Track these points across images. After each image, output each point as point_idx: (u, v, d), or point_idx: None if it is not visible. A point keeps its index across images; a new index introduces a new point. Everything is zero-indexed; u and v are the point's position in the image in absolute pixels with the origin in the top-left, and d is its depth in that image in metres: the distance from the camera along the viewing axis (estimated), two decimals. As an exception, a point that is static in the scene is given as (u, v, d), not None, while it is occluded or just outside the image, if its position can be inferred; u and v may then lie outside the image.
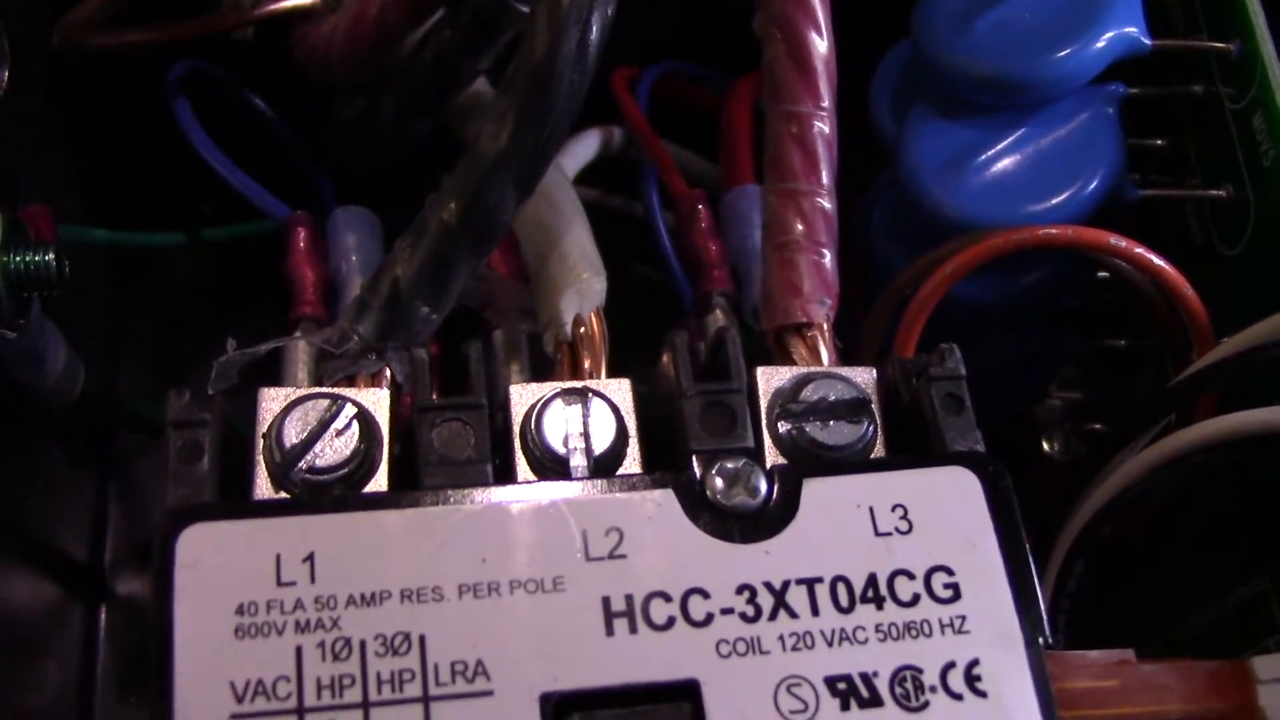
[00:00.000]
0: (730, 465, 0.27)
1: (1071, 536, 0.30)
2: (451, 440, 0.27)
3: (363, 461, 0.27)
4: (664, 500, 0.27)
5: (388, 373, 0.30)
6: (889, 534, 0.27)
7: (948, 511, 0.27)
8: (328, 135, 0.38)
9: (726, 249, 0.37)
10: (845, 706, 0.25)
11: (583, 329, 0.32)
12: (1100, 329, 0.41)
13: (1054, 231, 0.33)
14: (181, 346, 0.42)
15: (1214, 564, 0.34)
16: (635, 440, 0.28)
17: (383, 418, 0.28)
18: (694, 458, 0.27)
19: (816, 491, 0.27)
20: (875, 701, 0.25)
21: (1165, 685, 0.30)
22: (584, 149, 0.39)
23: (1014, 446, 0.38)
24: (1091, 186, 0.36)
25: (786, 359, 0.31)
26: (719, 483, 0.27)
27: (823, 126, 0.33)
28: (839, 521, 0.27)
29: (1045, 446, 0.40)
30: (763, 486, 0.27)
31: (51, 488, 0.38)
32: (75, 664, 0.40)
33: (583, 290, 0.32)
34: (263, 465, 0.27)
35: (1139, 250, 0.33)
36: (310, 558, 0.25)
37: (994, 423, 0.30)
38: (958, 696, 0.26)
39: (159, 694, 0.24)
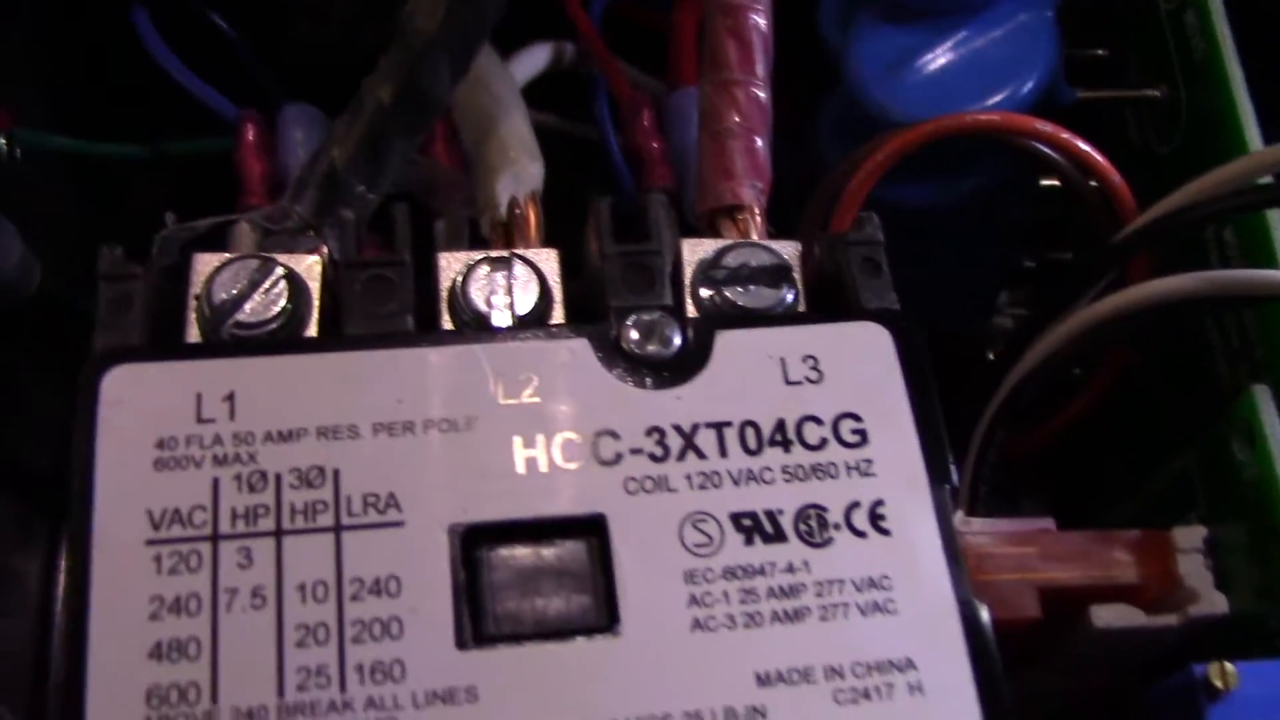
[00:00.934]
0: (646, 318, 0.28)
1: (995, 406, 0.31)
2: (375, 293, 0.28)
3: (290, 319, 0.28)
4: (579, 349, 0.27)
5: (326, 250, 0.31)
6: (799, 383, 0.27)
7: (858, 363, 0.28)
8: (284, 42, 0.39)
9: (669, 148, 0.38)
10: (749, 541, 0.26)
11: (518, 211, 0.32)
12: (1046, 243, 0.41)
13: (983, 118, 0.34)
14: (143, 261, 0.43)
15: (1142, 443, 0.35)
16: (560, 305, 0.29)
17: (314, 283, 0.29)
18: (611, 311, 0.28)
19: (729, 342, 0.28)
20: (779, 537, 0.26)
21: (1085, 553, 0.31)
22: (534, 60, 0.40)
23: (963, 362, 0.39)
24: (1028, 87, 0.36)
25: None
26: (634, 334, 0.28)
27: (758, 20, 0.34)
28: (750, 370, 0.27)
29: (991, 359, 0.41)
30: (677, 338, 0.28)
31: (16, 395, 0.39)
32: (40, 577, 0.40)
33: (518, 174, 0.33)
34: (194, 325, 0.28)
35: (1065, 135, 0.33)
36: (230, 397, 0.26)
37: (942, 339, 0.30)
38: (861, 534, 0.26)
39: (79, 521, 0.25)
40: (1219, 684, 0.27)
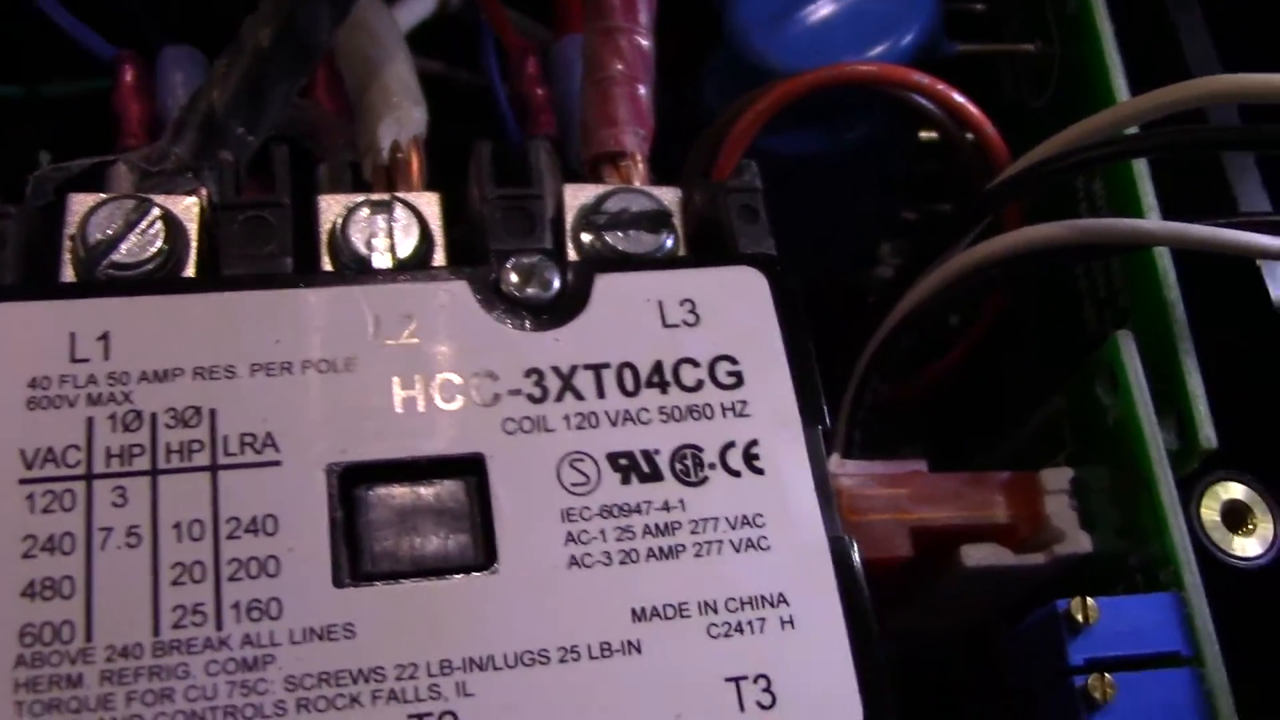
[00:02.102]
0: (525, 260, 0.28)
1: (871, 350, 0.32)
2: (253, 234, 0.28)
3: (167, 259, 0.28)
4: (459, 290, 0.27)
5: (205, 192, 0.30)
6: (676, 325, 0.28)
7: (735, 307, 0.28)
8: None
9: (554, 95, 0.38)
10: (626, 480, 0.26)
11: (399, 155, 0.32)
12: (926, 196, 0.42)
13: (862, 69, 0.34)
14: (17, 203, 0.42)
15: (1016, 390, 0.36)
16: (441, 249, 0.29)
17: (191, 224, 0.29)
18: (492, 254, 0.28)
19: (608, 285, 0.28)
20: (655, 476, 0.26)
21: (955, 493, 0.32)
22: (420, 5, 0.40)
23: (843, 311, 0.40)
24: (908, 39, 0.37)
25: (601, 186, 0.32)
26: (513, 276, 0.28)
27: (642, -32, 0.34)
28: (628, 313, 0.28)
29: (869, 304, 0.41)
30: (556, 281, 0.28)
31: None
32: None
33: (401, 118, 0.33)
34: (69, 266, 0.28)
35: (940, 87, 0.34)
36: (105, 336, 0.26)
37: (822, 288, 0.31)
38: (735, 473, 0.27)
39: (-52, 463, 0.25)
40: (1080, 618, 0.28)
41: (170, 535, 0.24)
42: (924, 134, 0.39)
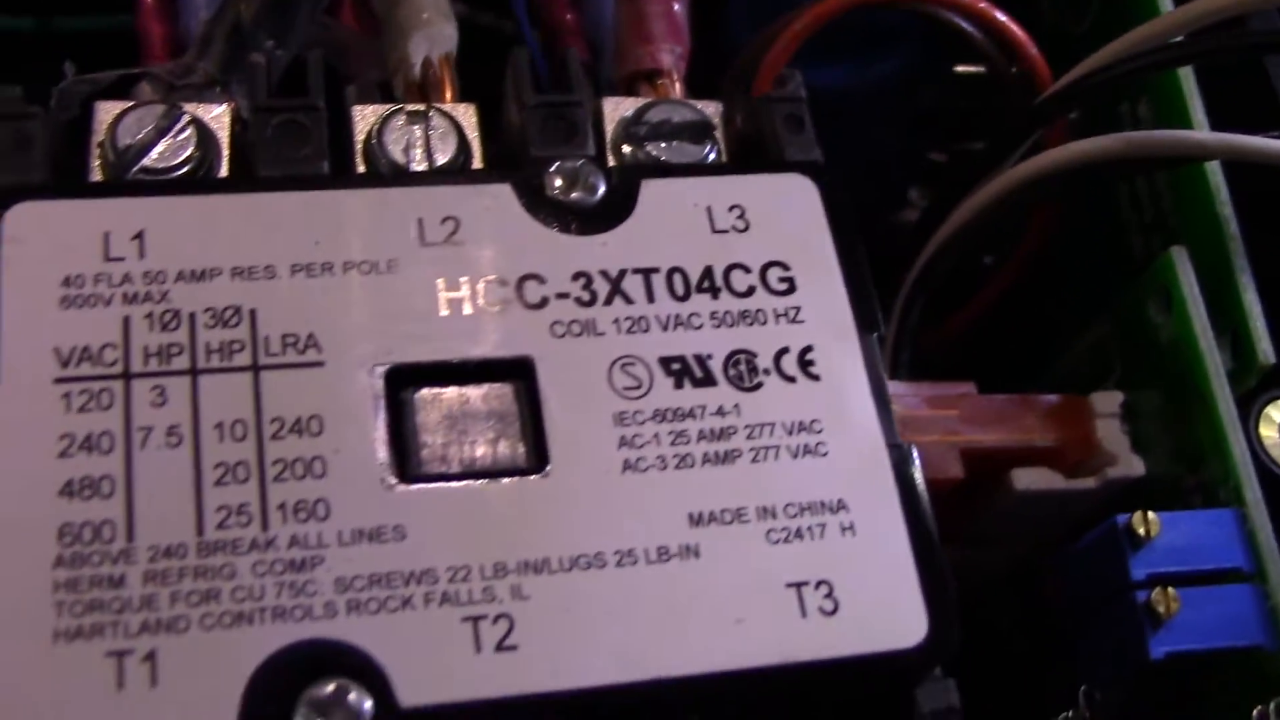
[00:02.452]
0: (569, 165, 0.27)
1: (918, 269, 0.31)
2: (288, 137, 0.27)
3: (199, 165, 0.27)
4: (502, 194, 0.27)
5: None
6: (726, 231, 0.27)
7: (785, 213, 0.27)
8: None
9: (584, 21, 0.38)
10: (679, 384, 0.25)
11: (432, 71, 0.31)
12: (957, 136, 0.41)
13: (898, -14, 0.34)
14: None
15: (1059, 319, 0.35)
16: (479, 158, 0.28)
17: (222, 132, 0.28)
18: (534, 161, 0.27)
19: (655, 190, 0.27)
20: (709, 380, 0.26)
21: (1005, 416, 0.31)
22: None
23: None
24: (946, -39, 0.36)
25: (636, 104, 0.31)
26: (558, 181, 0.27)
27: (673, -114, 0.33)
28: (676, 218, 0.27)
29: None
30: (601, 185, 0.27)
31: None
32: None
33: (432, 35, 0.32)
34: (99, 172, 0.27)
35: (982, 5, 0.33)
36: (140, 235, 0.25)
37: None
38: (790, 379, 0.26)
39: (-17, 361, 0.24)
40: (1141, 532, 0.27)
41: (212, 435, 0.24)
42: (959, 68, 0.38)
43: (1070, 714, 0.31)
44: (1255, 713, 0.27)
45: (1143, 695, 0.29)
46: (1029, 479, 0.30)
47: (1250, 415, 0.29)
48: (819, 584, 0.24)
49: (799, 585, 0.24)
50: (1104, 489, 0.30)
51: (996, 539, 0.34)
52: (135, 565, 0.22)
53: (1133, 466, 0.30)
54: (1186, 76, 0.31)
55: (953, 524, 0.31)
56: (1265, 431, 0.29)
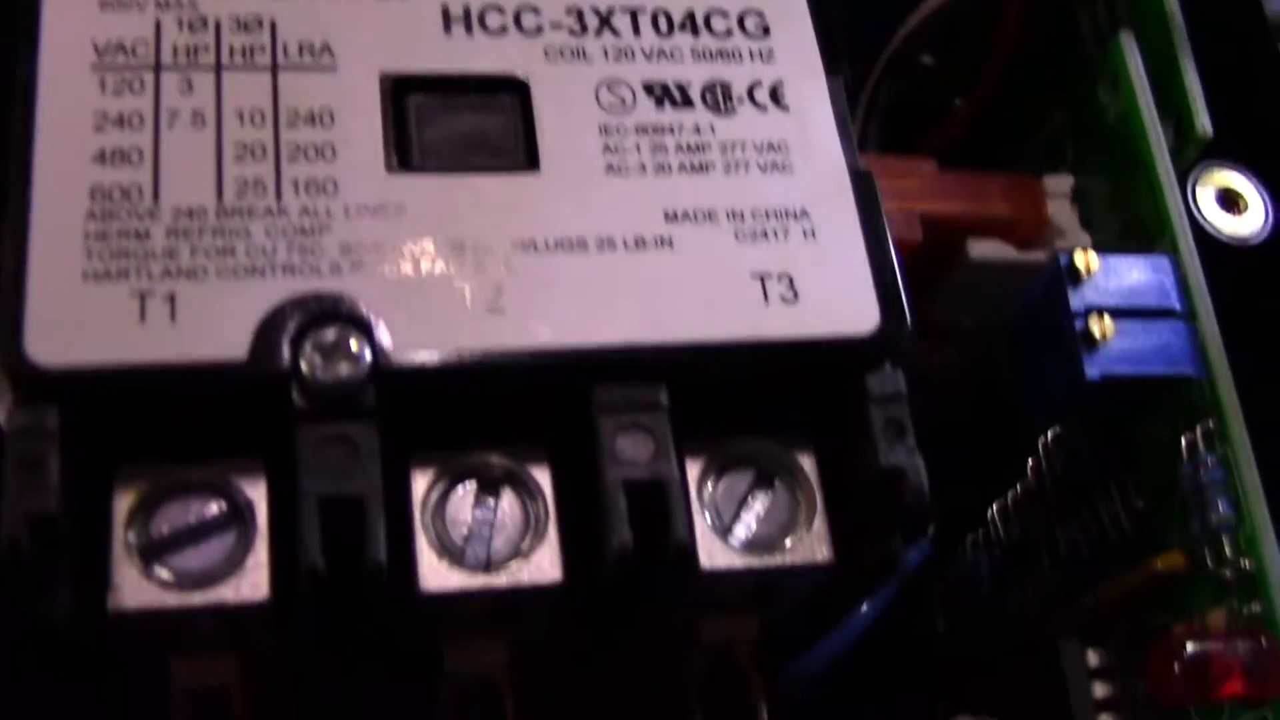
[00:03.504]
0: (566, -88, 0.29)
1: (887, 56, 0.33)
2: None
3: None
4: (504, -66, 0.29)
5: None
6: (708, -20, 0.29)
7: (762, -32, 0.30)
8: None
9: None
10: (660, 105, 0.28)
11: None
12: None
13: None
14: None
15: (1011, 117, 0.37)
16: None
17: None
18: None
19: (643, -57, 0.30)
20: (687, 103, 0.28)
21: (962, 188, 0.33)
22: None
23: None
24: None
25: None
26: (550, -79, 0.29)
27: None
28: (660, -35, 0.29)
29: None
30: (594, -66, 0.29)
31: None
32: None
33: None
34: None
35: None
36: (172, -48, 0.27)
37: None
38: (762, 107, 0.28)
39: (27, 50, 0.26)
40: (1081, 267, 0.29)
41: (233, 120, 0.26)
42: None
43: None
44: (1183, 440, 0.29)
45: (1082, 420, 0.31)
46: (984, 249, 0.33)
47: (1188, 181, 0.31)
48: (781, 276, 0.27)
49: (763, 276, 0.27)
50: (1053, 262, 0.32)
51: (953, 328, 0.36)
52: (159, 223, 0.25)
53: (1081, 240, 0.32)
54: None
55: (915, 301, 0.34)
56: (1202, 195, 0.32)
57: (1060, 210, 0.33)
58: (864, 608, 0.37)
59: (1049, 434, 0.34)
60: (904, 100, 0.36)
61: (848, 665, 0.36)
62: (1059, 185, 0.33)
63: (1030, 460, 0.35)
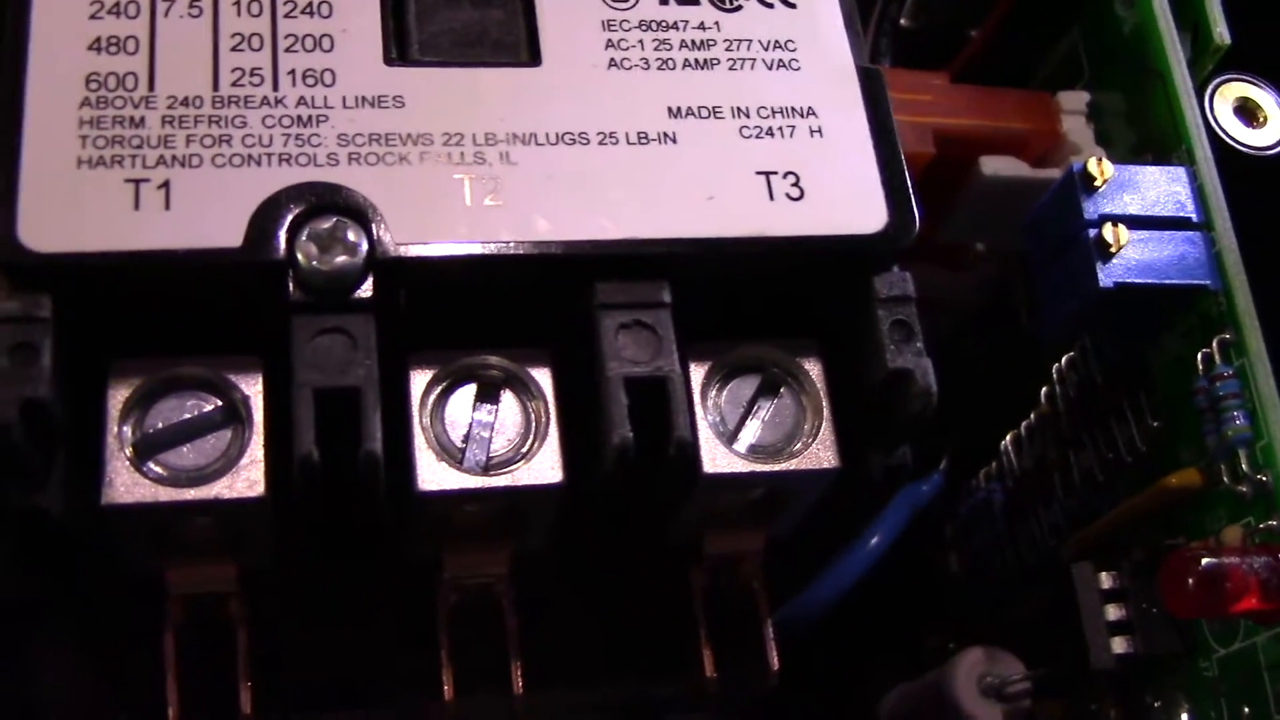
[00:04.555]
0: None
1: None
2: None
3: None
4: None
5: None
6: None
7: None
8: None
9: None
10: (664, 1, 0.27)
11: None
12: None
13: None
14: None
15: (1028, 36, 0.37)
16: None
17: None
18: None
19: None
20: (692, 0, 0.27)
21: (976, 103, 0.33)
22: None
23: None
24: None
25: None
26: None
27: None
28: None
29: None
30: None
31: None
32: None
33: None
34: None
35: None
36: None
37: None
38: (769, 4, 0.28)
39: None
40: (1095, 174, 0.29)
41: (230, 10, 0.26)
42: None
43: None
44: (1200, 355, 0.29)
45: (1094, 335, 0.30)
46: (997, 165, 0.32)
47: (1206, 91, 0.31)
48: (787, 174, 0.26)
49: (768, 174, 0.26)
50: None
51: (967, 253, 0.36)
52: (154, 110, 0.24)
53: (1097, 155, 0.32)
54: None
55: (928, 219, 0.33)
56: (1220, 107, 0.31)
57: (1075, 126, 0.33)
58: (874, 541, 0.36)
59: (1064, 359, 0.33)
60: (916, 25, 0.35)
61: (859, 602, 0.36)
62: (1074, 101, 0.33)
63: (1044, 388, 0.34)
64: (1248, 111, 0.31)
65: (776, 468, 0.26)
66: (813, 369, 0.27)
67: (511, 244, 0.25)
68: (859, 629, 0.38)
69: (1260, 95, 0.31)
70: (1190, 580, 0.26)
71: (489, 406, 0.26)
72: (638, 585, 0.30)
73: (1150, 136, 0.31)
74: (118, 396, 0.24)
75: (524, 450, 0.25)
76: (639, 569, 0.30)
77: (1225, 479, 0.28)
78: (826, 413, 0.27)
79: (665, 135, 0.26)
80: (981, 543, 0.37)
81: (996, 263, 0.36)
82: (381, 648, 0.30)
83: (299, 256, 0.24)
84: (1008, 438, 0.36)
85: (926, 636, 0.38)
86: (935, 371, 0.26)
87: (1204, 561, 0.27)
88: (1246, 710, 0.28)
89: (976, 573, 0.37)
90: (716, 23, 0.27)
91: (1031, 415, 0.35)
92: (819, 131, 0.27)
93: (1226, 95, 0.31)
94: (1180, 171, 0.29)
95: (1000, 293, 0.36)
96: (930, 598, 0.39)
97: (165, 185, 0.24)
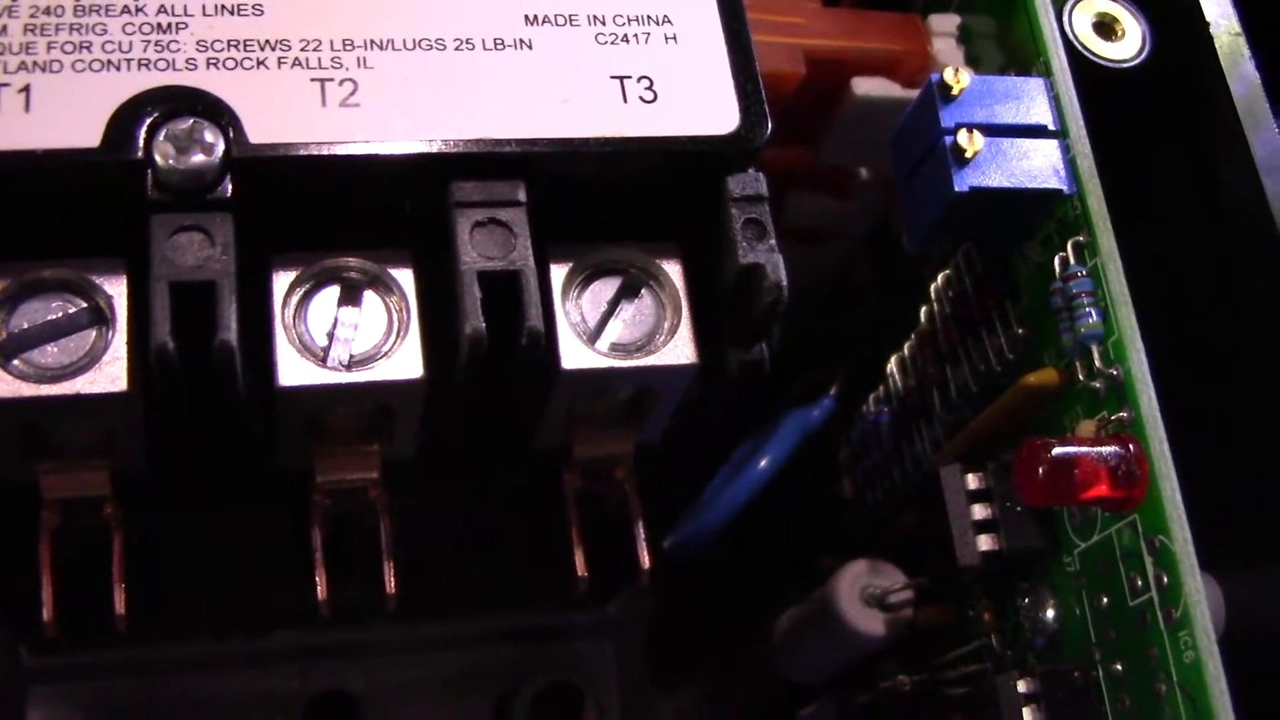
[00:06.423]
0: None
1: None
2: None
3: None
4: None
5: None
6: None
7: None
8: None
9: None
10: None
11: None
12: None
13: None
14: None
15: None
16: None
17: None
18: None
19: None
20: None
21: (846, 25, 0.34)
22: None
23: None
24: None
25: None
26: None
27: None
28: None
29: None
30: None
31: None
32: None
33: None
34: None
35: None
36: None
37: None
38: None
39: None
40: (952, 83, 0.30)
41: (92, -76, 0.26)
42: None
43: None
44: (1056, 258, 0.30)
45: (959, 239, 0.31)
46: (869, 86, 0.33)
47: (1065, 6, 0.31)
48: (641, 78, 0.27)
49: (622, 78, 0.27)
50: (936, 98, 0.32)
51: (851, 179, 0.37)
52: (17, 19, 0.25)
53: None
54: None
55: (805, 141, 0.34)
56: (1079, 21, 0.32)
57: (946, 48, 0.33)
58: (763, 463, 0.37)
59: (940, 277, 0.34)
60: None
61: (749, 527, 0.37)
62: (944, 24, 0.33)
63: (924, 307, 0.35)
64: (1105, 26, 0.32)
65: (636, 363, 0.27)
66: (672, 270, 0.28)
67: (368, 144, 0.25)
68: (748, 557, 0.39)
69: (1118, 10, 0.32)
70: (1041, 469, 0.27)
71: (352, 308, 0.26)
72: (511, 492, 0.31)
73: (1016, 55, 0.32)
74: (-18, 299, 0.25)
75: (385, 348, 0.26)
76: (511, 476, 0.31)
77: (1080, 376, 0.29)
78: (685, 311, 0.27)
79: (521, 41, 0.27)
80: (870, 464, 0.38)
81: (880, 188, 0.36)
82: (260, 557, 0.30)
83: (156, 156, 0.24)
84: (893, 359, 0.37)
85: (821, 559, 0.38)
86: (786, 269, 0.26)
87: (1055, 450, 0.27)
88: (1105, 600, 0.28)
89: (867, 494, 0.38)
90: (574, -68, 0.28)
91: (913, 336, 0.35)
92: (674, 39, 0.27)
93: (1086, 10, 0.32)
94: (1039, 82, 0.30)
95: (885, 218, 0.37)
96: (826, 523, 0.40)
97: (26, 89, 0.25)
